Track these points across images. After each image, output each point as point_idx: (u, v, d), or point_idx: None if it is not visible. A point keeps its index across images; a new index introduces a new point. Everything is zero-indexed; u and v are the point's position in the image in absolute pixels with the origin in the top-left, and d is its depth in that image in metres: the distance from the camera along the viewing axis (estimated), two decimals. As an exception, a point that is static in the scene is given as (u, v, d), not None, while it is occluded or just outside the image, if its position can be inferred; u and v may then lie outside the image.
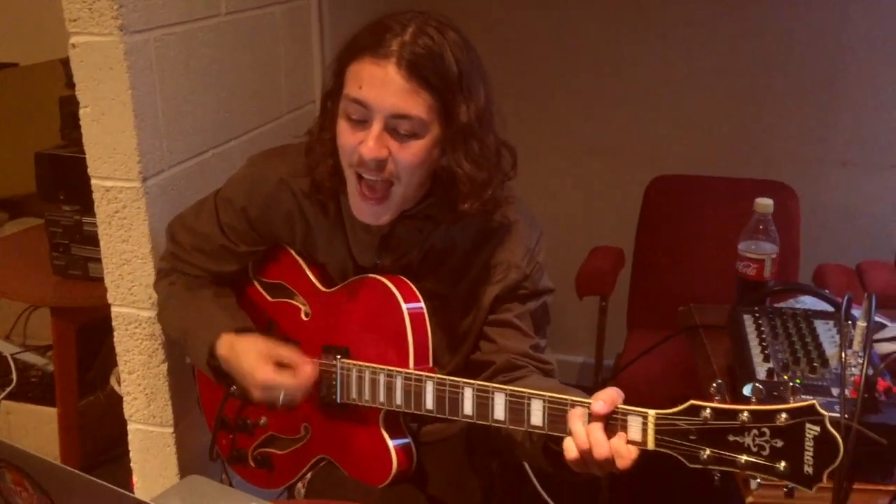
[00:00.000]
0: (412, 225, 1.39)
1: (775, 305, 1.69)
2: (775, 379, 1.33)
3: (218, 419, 1.57)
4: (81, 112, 1.58)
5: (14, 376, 2.72)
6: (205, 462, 1.77)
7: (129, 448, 1.80)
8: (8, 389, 2.69)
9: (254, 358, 1.38)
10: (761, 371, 1.36)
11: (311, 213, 1.44)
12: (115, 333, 1.72)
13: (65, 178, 1.98)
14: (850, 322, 1.38)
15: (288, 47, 2.06)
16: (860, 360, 1.29)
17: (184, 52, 1.66)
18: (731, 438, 1.03)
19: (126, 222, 1.62)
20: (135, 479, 1.83)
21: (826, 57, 2.57)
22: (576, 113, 2.80)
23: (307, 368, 1.37)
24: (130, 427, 1.78)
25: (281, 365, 1.38)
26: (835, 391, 1.29)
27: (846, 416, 1.17)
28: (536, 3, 2.73)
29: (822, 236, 2.53)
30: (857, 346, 1.34)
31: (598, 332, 2.34)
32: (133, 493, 1.80)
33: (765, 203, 1.71)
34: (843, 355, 1.29)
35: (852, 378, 1.27)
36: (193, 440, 1.78)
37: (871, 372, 1.21)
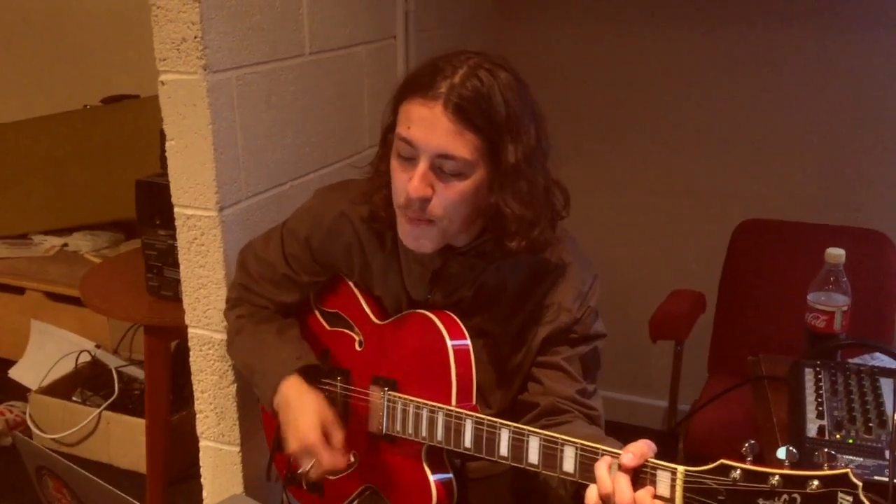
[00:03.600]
0: (465, 262, 1.42)
1: (848, 361, 1.62)
2: (826, 437, 1.28)
3: (276, 441, 1.63)
4: (168, 144, 1.69)
5: (116, 388, 2.90)
6: (267, 482, 1.84)
7: (201, 464, 1.89)
8: (109, 400, 2.86)
9: (313, 419, 1.42)
10: (812, 428, 1.31)
11: (369, 245, 1.50)
12: (191, 353, 1.81)
13: (160, 204, 2.10)
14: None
15: (372, 84, 2.14)
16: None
17: (265, 90, 1.76)
18: (760, 502, 1.00)
19: (203, 248, 1.72)
20: (204, 493, 1.91)
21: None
22: (663, 152, 2.77)
23: (341, 460, 1.41)
24: (202, 444, 1.87)
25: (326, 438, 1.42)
26: (889, 454, 1.23)
27: None
28: (623, 41, 2.73)
29: (921, 289, 2.40)
30: (919, 407, 1.27)
31: (672, 377, 2.29)
32: (204, 506, 1.90)
33: (836, 253, 1.64)
34: (895, 416, 1.23)
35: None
36: (259, 460, 1.85)
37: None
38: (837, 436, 1.28)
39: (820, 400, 1.38)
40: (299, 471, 1.44)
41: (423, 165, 1.28)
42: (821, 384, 1.44)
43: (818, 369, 1.49)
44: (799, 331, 1.90)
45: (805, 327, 1.67)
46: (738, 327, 2.38)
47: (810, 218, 2.41)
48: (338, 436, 1.43)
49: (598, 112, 2.78)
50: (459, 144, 1.26)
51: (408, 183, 1.29)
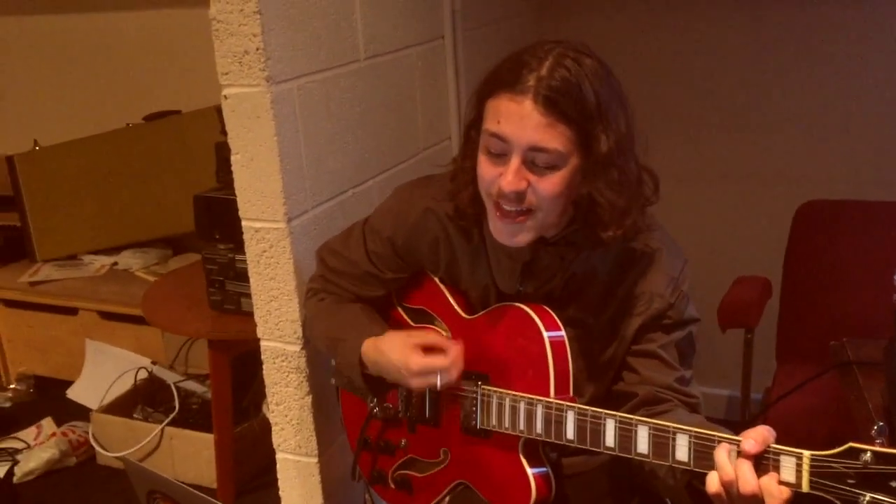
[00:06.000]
0: (554, 252, 1.41)
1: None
2: (935, 422, 1.24)
3: (360, 440, 1.63)
4: (233, 158, 1.68)
5: (177, 403, 2.91)
6: (347, 491, 1.83)
7: (278, 476, 1.88)
8: (171, 416, 2.87)
9: (400, 350, 1.42)
10: (919, 413, 1.28)
11: (457, 239, 1.49)
12: (264, 366, 1.80)
13: (219, 219, 2.11)
14: None
15: (424, 86, 2.12)
16: None
17: (324, 98, 1.74)
18: (894, 484, 0.98)
19: (273, 261, 1.71)
20: (283, 506, 1.91)
21: None
22: (719, 134, 2.71)
23: (455, 347, 1.40)
24: (279, 456, 1.86)
25: (427, 349, 1.42)
26: None
27: None
28: (673, 28, 2.69)
29: None
30: None
31: (743, 366, 2.25)
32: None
33: (922, 231, 1.60)
34: None
35: None
36: (337, 469, 1.84)
37: None
38: (946, 420, 1.25)
39: (922, 383, 1.35)
40: (439, 386, 1.41)
41: (515, 160, 1.26)
42: (920, 367, 1.40)
43: (915, 352, 1.45)
44: (874, 312, 1.86)
45: (893, 308, 1.62)
46: (806, 312, 2.33)
47: (873, 196, 2.36)
48: (431, 339, 1.43)
49: (653, 101, 2.73)
50: (552, 137, 1.24)
51: (499, 178, 1.28)
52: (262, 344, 1.79)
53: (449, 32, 2.21)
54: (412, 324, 1.58)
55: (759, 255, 2.51)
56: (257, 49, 1.57)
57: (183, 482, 2.78)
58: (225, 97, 1.64)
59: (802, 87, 2.59)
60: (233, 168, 1.69)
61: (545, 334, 1.37)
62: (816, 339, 2.06)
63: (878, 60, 2.49)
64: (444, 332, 1.52)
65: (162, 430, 2.83)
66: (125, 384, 3.07)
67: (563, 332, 1.38)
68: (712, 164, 2.75)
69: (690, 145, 2.75)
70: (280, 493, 1.90)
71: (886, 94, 2.50)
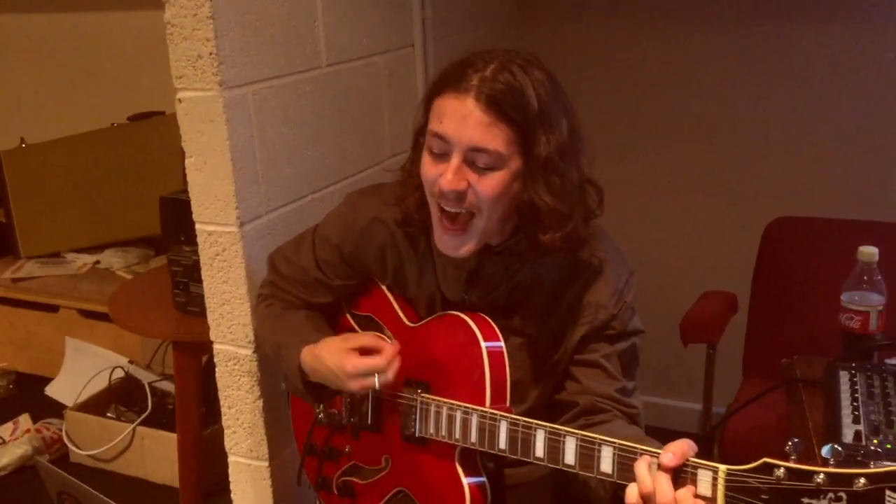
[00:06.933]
0: (499, 261, 1.41)
1: (886, 362, 1.57)
2: (863, 442, 1.24)
3: (306, 445, 1.63)
4: (187, 162, 1.69)
5: (149, 403, 2.92)
6: (298, 496, 1.83)
7: (230, 480, 1.89)
8: (143, 416, 2.88)
9: (336, 354, 1.42)
10: (849, 433, 1.28)
11: (404, 247, 1.49)
12: (217, 369, 1.81)
13: (184, 221, 2.11)
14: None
15: (392, 93, 2.13)
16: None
17: (282, 103, 1.75)
18: (805, 501, 0.98)
19: (226, 264, 1.72)
20: (235, 509, 1.91)
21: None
22: (690, 148, 2.71)
23: (390, 347, 1.41)
24: (230, 459, 1.87)
25: (364, 351, 1.42)
26: (929, 459, 1.18)
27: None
28: (647, 40, 2.69)
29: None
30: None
31: (705, 381, 2.25)
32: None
33: (869, 251, 1.60)
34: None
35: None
36: (288, 474, 1.84)
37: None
38: (875, 441, 1.24)
39: (856, 404, 1.34)
40: (377, 386, 1.39)
41: (456, 159, 1.27)
42: (856, 387, 1.40)
43: (853, 371, 1.45)
44: (835, 331, 1.86)
45: (840, 328, 1.62)
46: (773, 328, 2.32)
47: (843, 214, 2.35)
48: (366, 340, 1.43)
49: (625, 111, 2.74)
50: (492, 137, 1.25)
51: (440, 178, 1.28)
52: (215, 347, 1.80)
53: (419, 41, 2.22)
54: (359, 331, 1.59)
55: (729, 270, 2.50)
56: (210, 54, 1.57)
57: (154, 482, 2.83)
58: (179, 101, 1.64)
59: (774, 104, 2.58)
60: (187, 171, 1.70)
61: (483, 344, 1.37)
62: (782, 355, 2.05)
63: (851, 78, 2.49)
64: (387, 340, 1.53)
65: (133, 429, 2.84)
66: (101, 383, 3.08)
67: (501, 343, 1.38)
68: (683, 178, 2.75)
69: (661, 158, 2.75)
70: (232, 496, 1.90)
71: (858, 112, 2.50)
